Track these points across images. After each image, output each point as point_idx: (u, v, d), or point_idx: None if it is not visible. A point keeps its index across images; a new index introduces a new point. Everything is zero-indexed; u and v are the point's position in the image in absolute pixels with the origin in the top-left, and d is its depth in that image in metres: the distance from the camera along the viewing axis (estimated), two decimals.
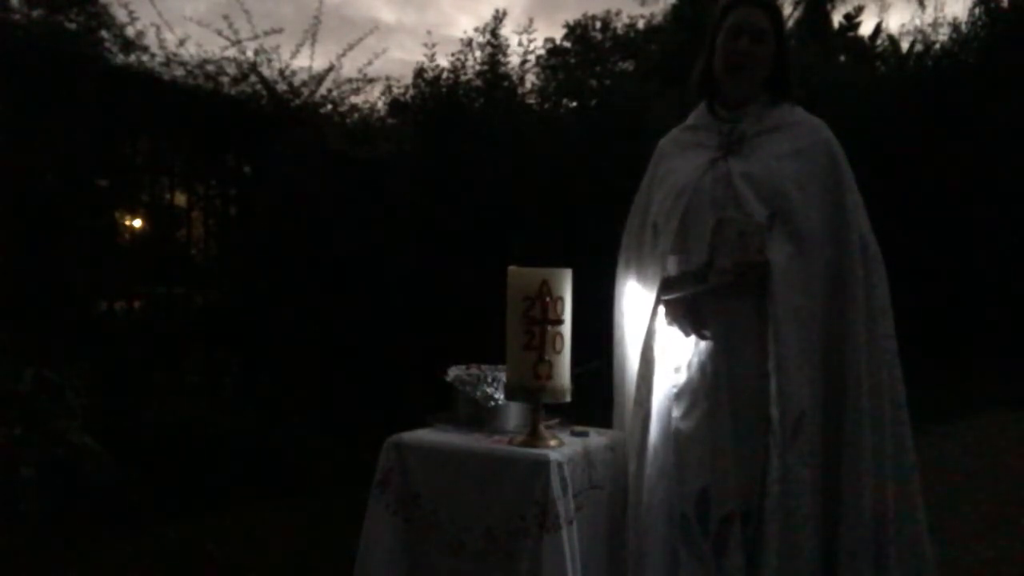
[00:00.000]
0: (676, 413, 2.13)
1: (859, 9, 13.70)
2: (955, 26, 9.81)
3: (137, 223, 6.24)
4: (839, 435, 2.03)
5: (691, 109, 2.35)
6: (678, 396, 2.13)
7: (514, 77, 7.82)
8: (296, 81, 6.24)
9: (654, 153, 2.36)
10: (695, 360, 2.11)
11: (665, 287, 2.12)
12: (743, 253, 2.04)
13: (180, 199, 6.23)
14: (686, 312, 2.10)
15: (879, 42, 12.04)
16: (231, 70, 6.00)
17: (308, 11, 7.22)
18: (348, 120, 6.69)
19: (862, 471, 2.00)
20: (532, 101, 8.13)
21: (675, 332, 2.14)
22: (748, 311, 2.06)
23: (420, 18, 28.25)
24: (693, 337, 2.11)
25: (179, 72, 5.82)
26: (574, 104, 8.46)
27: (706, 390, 2.08)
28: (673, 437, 2.12)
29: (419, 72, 7.38)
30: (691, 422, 2.10)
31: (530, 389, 2.02)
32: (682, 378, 2.13)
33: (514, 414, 2.21)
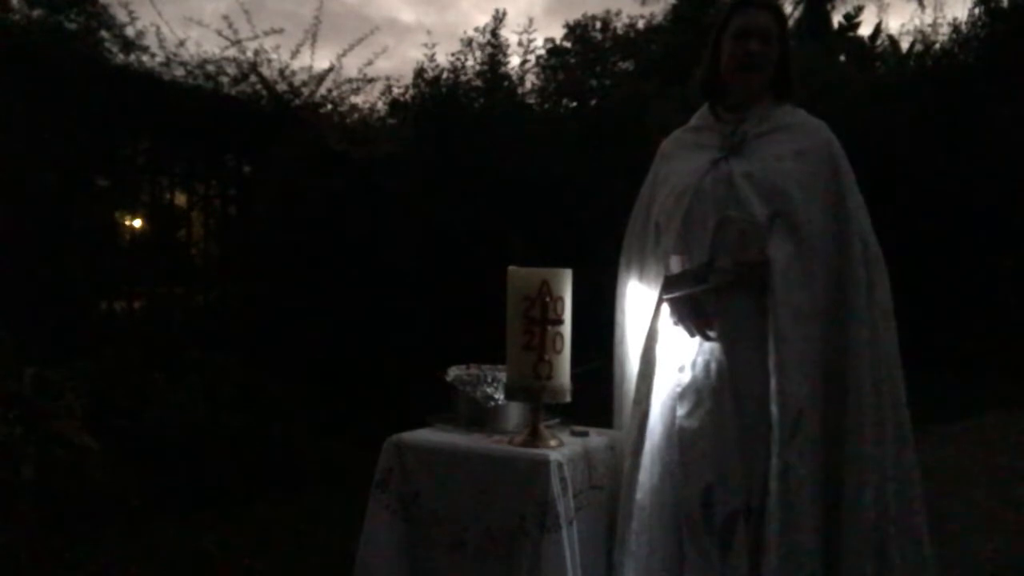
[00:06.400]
0: (680, 412, 2.13)
1: (859, 9, 13.64)
2: (955, 26, 9.82)
3: (137, 223, 6.24)
4: (841, 434, 2.04)
5: (693, 108, 2.36)
6: (682, 395, 2.13)
7: (514, 77, 7.83)
8: (296, 81, 6.25)
9: (656, 154, 2.37)
10: (699, 359, 2.12)
11: (666, 286, 2.13)
12: (744, 252, 2.05)
13: (180, 199, 6.24)
14: (691, 312, 2.10)
15: (879, 42, 12.03)
16: (231, 70, 6.01)
17: (326, 11, 7.23)
18: (348, 120, 6.69)
19: (863, 471, 2.00)
20: (532, 101, 8.14)
21: (679, 331, 2.14)
22: (750, 310, 2.06)
23: (440, 18, 28.22)
24: (697, 337, 2.11)
25: (179, 72, 5.83)
26: (574, 104, 8.47)
27: (710, 389, 2.09)
28: (677, 436, 2.12)
29: (419, 72, 7.38)
30: (695, 421, 2.10)
31: (530, 389, 2.02)
32: (686, 377, 2.13)
33: (514, 414, 2.21)
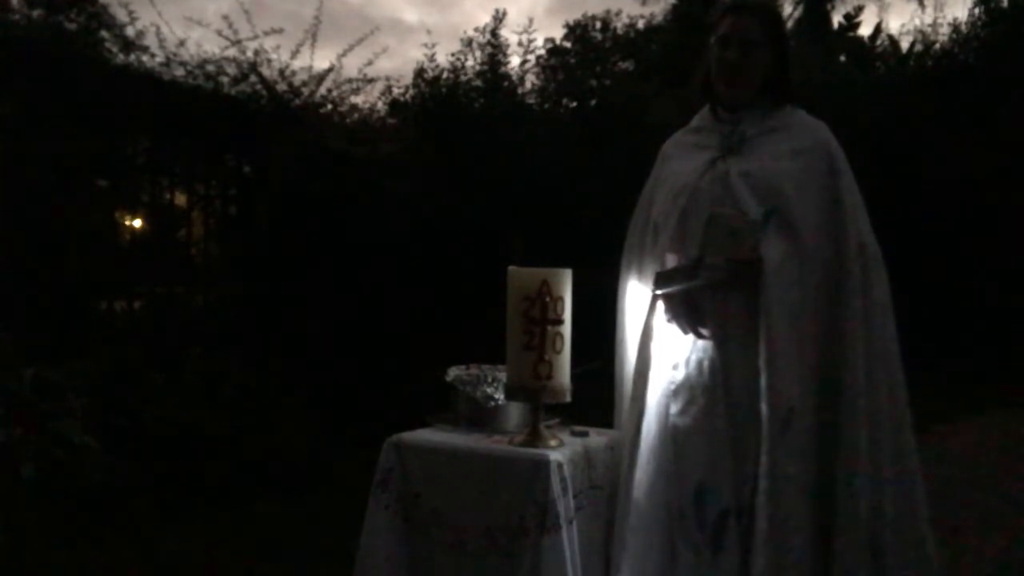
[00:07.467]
0: (674, 409, 2.13)
1: (859, 9, 13.68)
2: (955, 26, 9.83)
3: (137, 223, 6.24)
4: (835, 436, 2.03)
5: (692, 108, 2.36)
6: (675, 393, 2.13)
7: (514, 77, 7.83)
8: (296, 81, 6.25)
9: (658, 156, 2.37)
10: (693, 357, 2.12)
11: (657, 281, 2.13)
12: (735, 249, 2.04)
13: (180, 199, 6.23)
14: (684, 310, 2.10)
15: (879, 42, 12.05)
16: (231, 70, 6.00)
17: (328, 11, 7.19)
18: (348, 120, 6.68)
19: (856, 472, 1.99)
20: (532, 101, 8.14)
21: (673, 329, 2.14)
22: (743, 308, 2.06)
23: (442, 18, 28.12)
24: (691, 334, 2.11)
25: (179, 72, 5.82)
26: (574, 104, 8.47)
27: (703, 387, 2.09)
28: (670, 433, 2.12)
29: (419, 72, 7.39)
30: (688, 418, 2.10)
31: (530, 389, 2.02)
32: (680, 375, 2.13)
33: (514, 414, 2.21)
